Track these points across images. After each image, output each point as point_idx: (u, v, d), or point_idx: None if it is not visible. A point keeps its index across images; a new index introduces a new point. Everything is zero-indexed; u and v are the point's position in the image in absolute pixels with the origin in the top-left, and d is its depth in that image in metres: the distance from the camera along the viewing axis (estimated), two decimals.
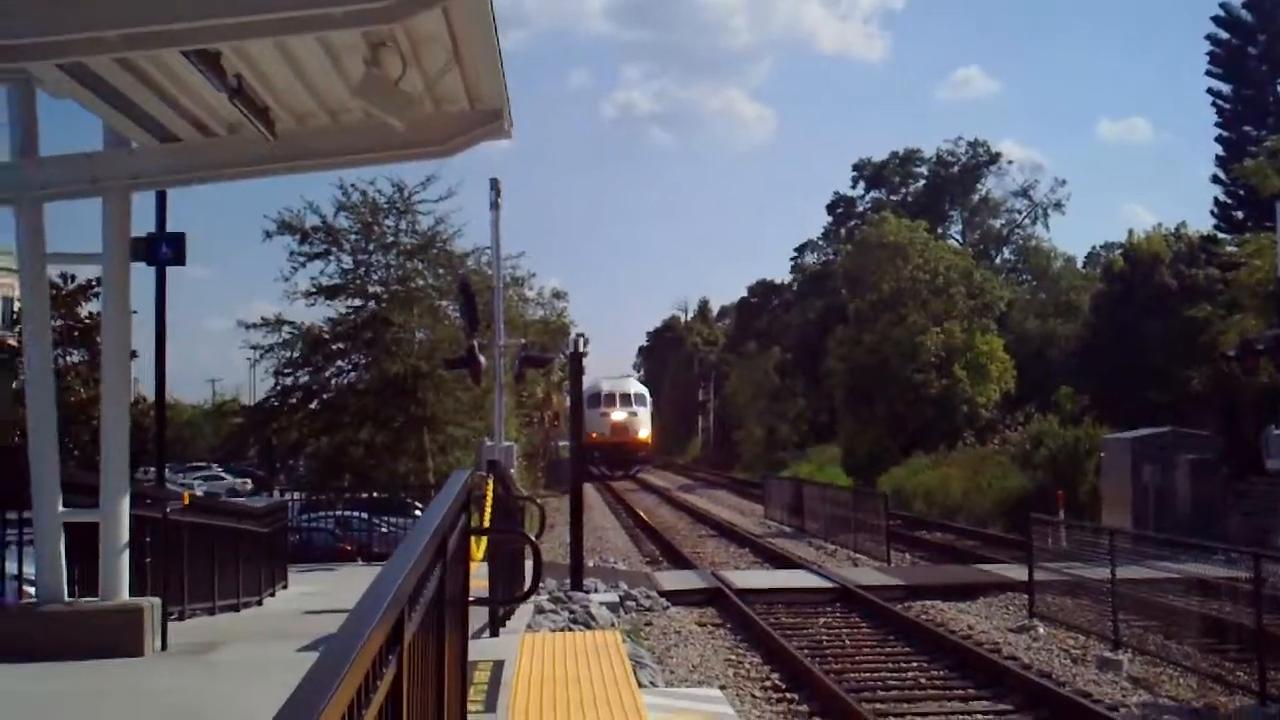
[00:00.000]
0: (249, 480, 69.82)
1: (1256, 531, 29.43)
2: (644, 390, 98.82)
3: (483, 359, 28.88)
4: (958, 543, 35.84)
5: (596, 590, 22.90)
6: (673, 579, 26.59)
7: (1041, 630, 20.70)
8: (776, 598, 23.94)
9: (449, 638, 5.90)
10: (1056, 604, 21.87)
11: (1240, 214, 60.94)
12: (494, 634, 13.32)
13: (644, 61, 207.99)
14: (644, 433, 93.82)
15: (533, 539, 9.08)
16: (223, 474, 74.14)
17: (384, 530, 31.22)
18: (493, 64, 10.76)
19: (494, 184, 29.30)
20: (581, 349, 26.75)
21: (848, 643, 20.03)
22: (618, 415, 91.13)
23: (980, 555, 31.43)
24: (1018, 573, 24.70)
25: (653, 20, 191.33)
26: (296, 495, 33.19)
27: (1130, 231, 66.71)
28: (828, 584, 25.21)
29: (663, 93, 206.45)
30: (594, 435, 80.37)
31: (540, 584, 16.35)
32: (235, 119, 11.58)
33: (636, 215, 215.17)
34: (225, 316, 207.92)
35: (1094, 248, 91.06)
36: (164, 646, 12.22)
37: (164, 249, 12.88)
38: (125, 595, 11.93)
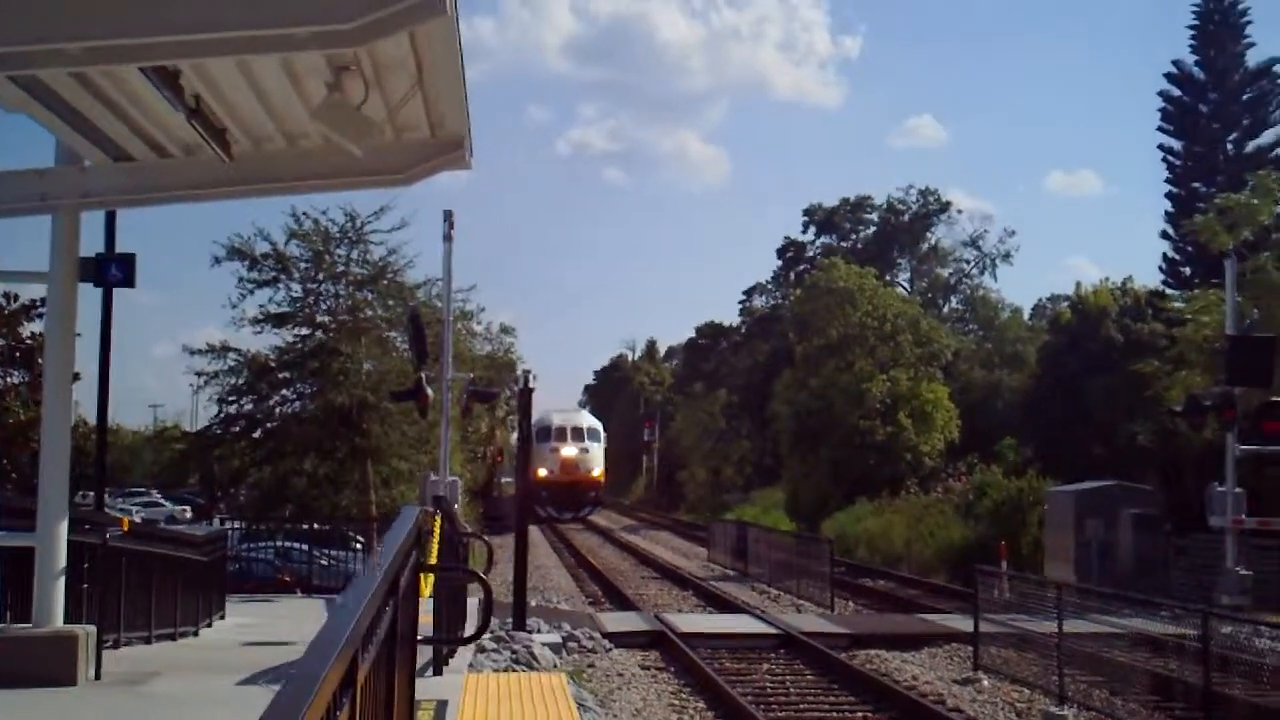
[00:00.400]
0: (188, 508, 68.95)
1: (1198, 587, 29.53)
2: (597, 425, 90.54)
3: (430, 392, 28.65)
4: (901, 591, 35.75)
5: (539, 630, 22.63)
6: (616, 620, 26.34)
7: (986, 683, 20.58)
8: (720, 642, 23.73)
9: (398, 676, 5.73)
10: (1001, 656, 21.77)
11: (1188, 270, 61.73)
12: (437, 673, 13.11)
13: (600, 100, 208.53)
14: (597, 470, 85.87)
15: (483, 577, 8.89)
16: (162, 500, 73.19)
17: (323, 563, 30.87)
18: (457, 92, 10.64)
19: (447, 216, 29.10)
20: (530, 385, 26.46)
21: (792, 690, 19.84)
22: (568, 451, 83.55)
23: (924, 605, 31.36)
24: (962, 623, 24.59)
25: (610, 60, 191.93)
26: (237, 524, 32.80)
27: (1078, 284, 67.53)
28: (772, 630, 25.03)
29: (618, 132, 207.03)
30: (542, 473, 77.11)
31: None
32: (192, 140, 11.39)
33: (588, 252, 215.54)
34: (171, 342, 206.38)
35: (1040, 299, 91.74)
36: (98, 676, 11.94)
37: (113, 270, 12.62)
38: (60, 622, 11.65)
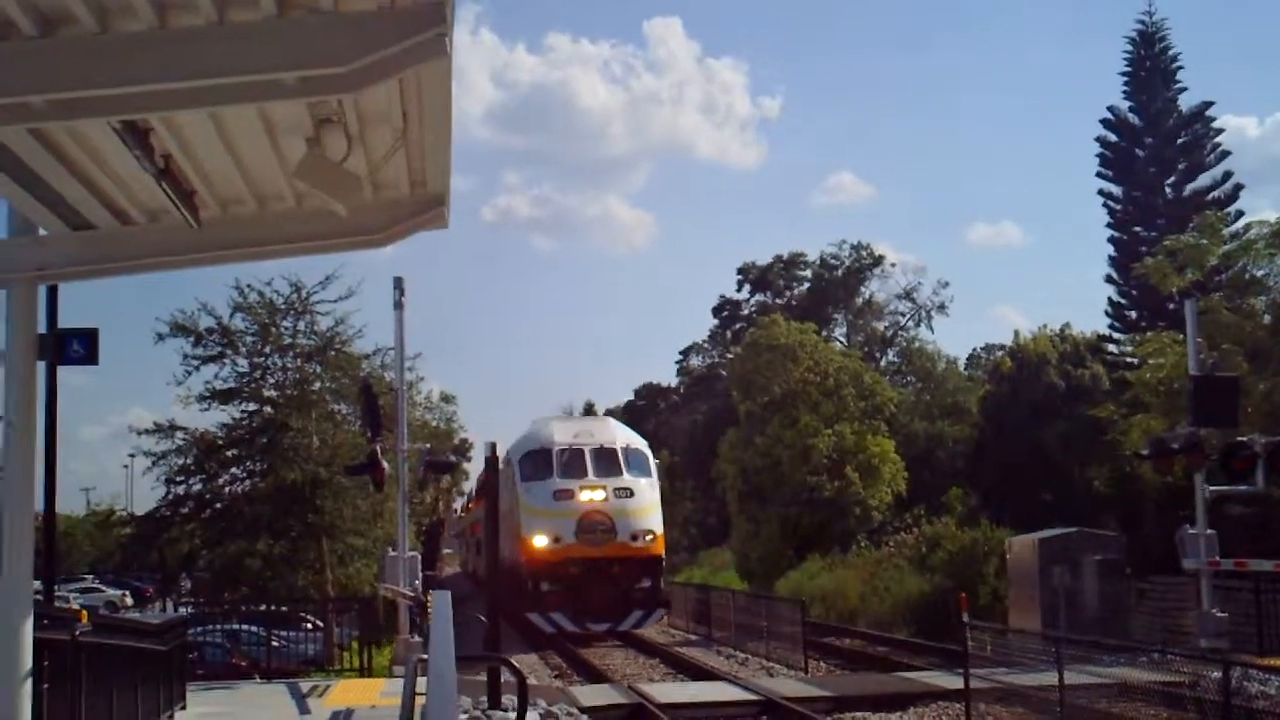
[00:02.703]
0: (128, 593, 67.36)
1: (1162, 631, 29.29)
2: (642, 445, 46.10)
3: (385, 464, 27.87)
4: (870, 649, 35.14)
5: (512, 709, 21.77)
6: (590, 694, 25.47)
7: None
8: (702, 712, 23.00)
9: None
10: (992, 713, 21.18)
11: (1133, 314, 61.88)
12: None
13: (524, 168, 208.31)
14: (650, 530, 41.77)
15: (515, 665, 8.19)
16: (100, 586, 71.38)
17: (275, 644, 29.88)
18: (443, 145, 10.03)
19: (398, 283, 28.46)
20: (495, 454, 25.51)
21: None
22: (594, 496, 41.16)
23: (899, 662, 30.69)
24: (944, 680, 24.02)
25: (532, 127, 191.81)
26: (187, 608, 31.80)
27: (1016, 333, 67.71)
28: (752, 696, 24.27)
29: (542, 199, 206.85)
30: (540, 543, 40.36)
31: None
32: (157, 205, 10.70)
33: (520, 318, 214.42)
34: (99, 424, 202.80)
35: (975, 349, 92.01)
36: None
37: (74, 346, 11.88)
38: None
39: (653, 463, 44.43)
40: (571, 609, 39.60)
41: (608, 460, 42.02)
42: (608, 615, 40.03)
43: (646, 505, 41.71)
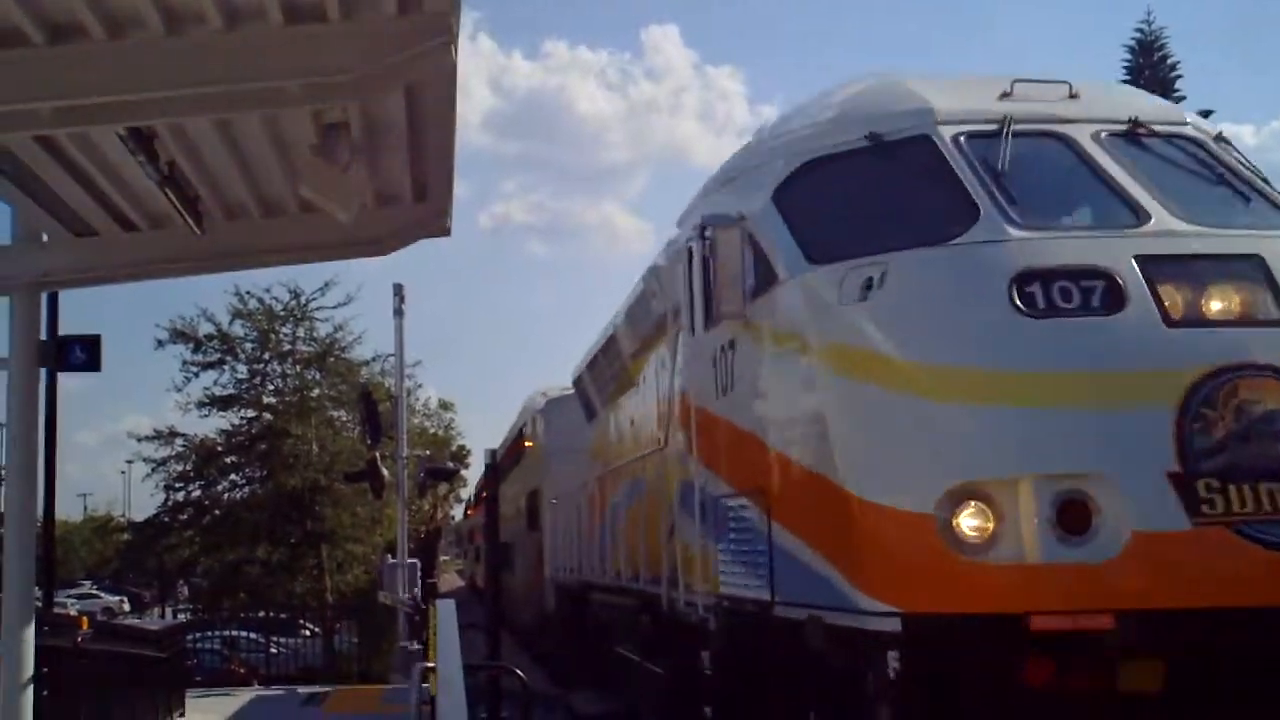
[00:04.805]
0: (125, 599, 67.32)
1: None
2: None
3: (385, 471, 27.79)
4: None
5: None
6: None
7: None
8: None
9: None
10: None
11: None
12: None
13: (521, 174, 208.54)
14: None
15: (520, 674, 8.19)
16: (98, 593, 71.33)
17: (273, 651, 29.93)
18: (446, 153, 10.04)
19: (398, 289, 28.29)
20: (497, 462, 25.45)
21: None
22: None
23: None
24: None
25: (529, 134, 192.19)
26: (183, 614, 31.84)
27: None
28: None
29: (539, 205, 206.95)
30: (976, 528, 8.46)
31: None
32: (160, 212, 10.68)
33: (517, 325, 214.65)
34: (94, 430, 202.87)
35: None
36: None
37: (77, 352, 11.87)
38: None
39: None
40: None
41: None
42: None
43: None
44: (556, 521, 26.50)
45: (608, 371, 19.29)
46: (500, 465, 30.64)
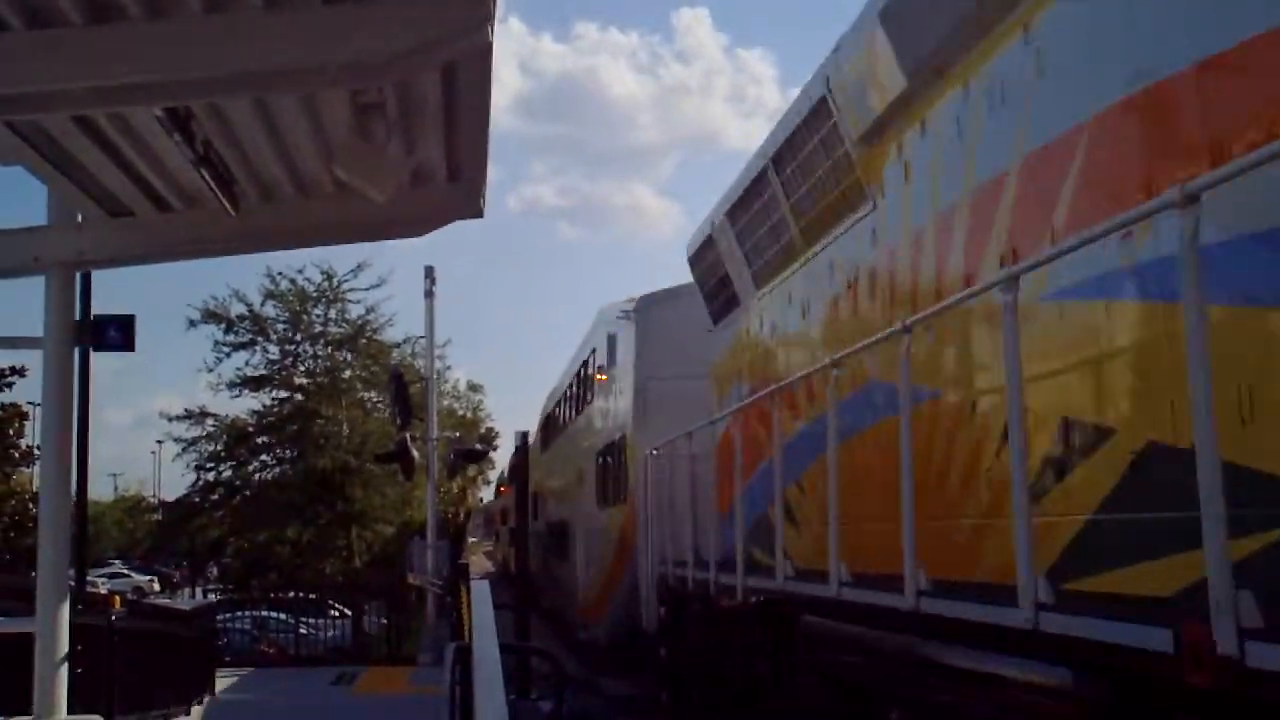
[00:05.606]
0: (155, 579, 67.62)
1: None
2: None
3: (415, 452, 27.89)
4: None
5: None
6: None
7: None
8: None
9: None
10: None
11: None
12: None
13: (550, 157, 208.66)
14: None
15: (556, 658, 8.18)
16: (128, 572, 71.72)
17: (302, 632, 29.97)
18: (481, 134, 9.98)
19: (428, 272, 28.49)
20: (528, 443, 25.37)
21: None
22: None
23: None
24: None
25: (560, 116, 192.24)
26: (214, 594, 31.95)
27: None
28: None
29: (569, 188, 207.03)
30: None
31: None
32: (195, 191, 10.66)
33: (547, 307, 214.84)
34: (125, 408, 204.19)
35: None
36: None
37: (112, 332, 11.89)
38: (64, 713, 10.80)
39: None
40: None
41: None
42: None
43: None
44: (663, 487, 17.34)
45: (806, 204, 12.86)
46: (551, 417, 25.80)
